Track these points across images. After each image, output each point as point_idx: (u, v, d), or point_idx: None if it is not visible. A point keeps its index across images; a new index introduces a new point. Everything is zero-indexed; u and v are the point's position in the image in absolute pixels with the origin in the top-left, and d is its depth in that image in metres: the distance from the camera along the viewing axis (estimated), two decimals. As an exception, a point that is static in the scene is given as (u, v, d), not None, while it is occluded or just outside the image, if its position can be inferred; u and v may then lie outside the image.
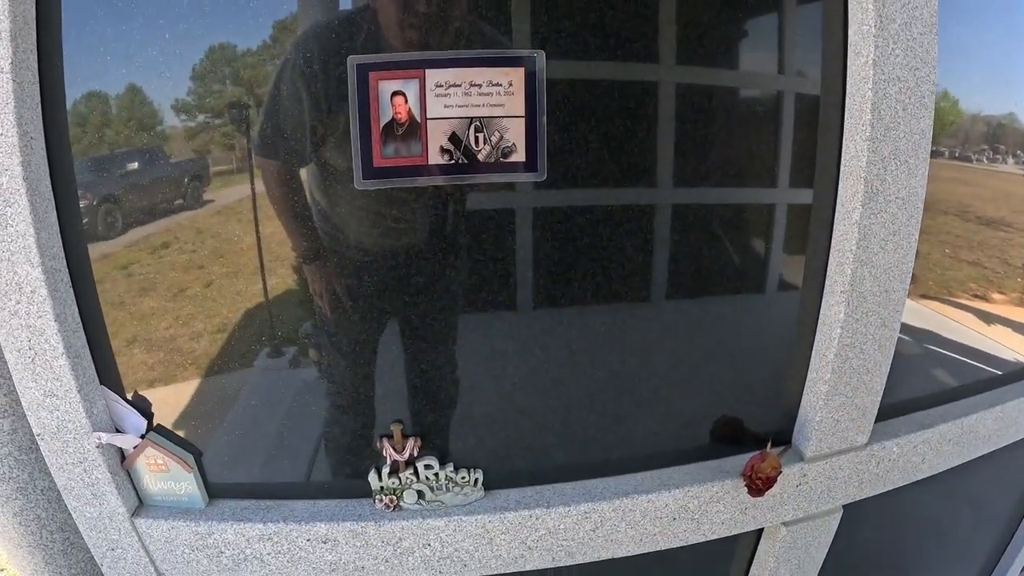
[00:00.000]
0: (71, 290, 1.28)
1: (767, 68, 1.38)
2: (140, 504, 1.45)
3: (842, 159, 1.33)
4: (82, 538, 1.50)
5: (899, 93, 1.25)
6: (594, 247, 1.37)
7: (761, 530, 1.62)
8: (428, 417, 1.44)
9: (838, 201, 1.35)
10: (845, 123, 1.31)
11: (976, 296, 1.81)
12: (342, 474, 1.49)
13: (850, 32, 1.26)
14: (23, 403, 1.32)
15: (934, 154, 1.49)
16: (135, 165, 1.33)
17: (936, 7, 1.23)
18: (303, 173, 1.29)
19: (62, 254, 1.26)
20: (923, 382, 1.76)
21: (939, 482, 1.72)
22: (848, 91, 1.29)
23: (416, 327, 1.39)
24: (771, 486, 1.44)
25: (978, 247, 1.77)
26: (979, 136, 1.65)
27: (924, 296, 1.70)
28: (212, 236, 1.35)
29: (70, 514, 1.47)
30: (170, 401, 1.42)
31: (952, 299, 1.77)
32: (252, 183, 1.30)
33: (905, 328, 1.61)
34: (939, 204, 1.61)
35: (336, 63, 1.19)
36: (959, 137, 1.61)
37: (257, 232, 1.33)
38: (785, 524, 1.58)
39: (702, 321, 1.51)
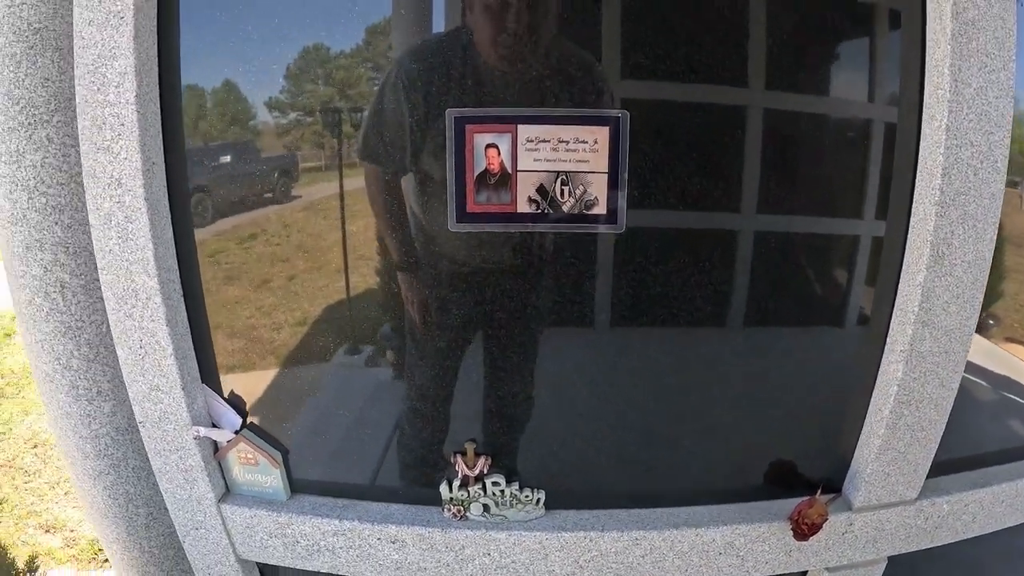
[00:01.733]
0: (182, 299, 1.37)
1: (857, 101, 1.37)
2: (227, 491, 1.55)
3: (911, 221, 1.32)
4: (165, 514, 1.61)
5: (971, 158, 1.24)
6: (666, 294, 1.41)
7: (804, 573, 1.65)
8: (500, 439, 1.51)
9: (904, 262, 1.35)
10: (916, 185, 1.30)
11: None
12: (414, 482, 1.57)
13: (925, 95, 1.25)
14: (130, 394, 1.42)
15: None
16: (228, 158, 1.40)
17: (1013, 71, 1.21)
18: (403, 182, 1.35)
19: (176, 266, 1.35)
20: (996, 431, 1.71)
21: (993, 538, 1.69)
22: (920, 155, 1.28)
23: (496, 357, 1.46)
24: (816, 532, 1.47)
25: (1071, 287, 1.67)
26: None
27: (1009, 339, 1.63)
28: (298, 231, 1.41)
29: (156, 492, 1.58)
30: (262, 397, 1.51)
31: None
32: (341, 182, 1.36)
33: (983, 373, 1.59)
34: (1028, 240, 1.55)
35: (435, 78, 1.26)
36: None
37: (343, 230, 1.39)
38: (828, 570, 1.60)
39: (765, 365, 1.53)
